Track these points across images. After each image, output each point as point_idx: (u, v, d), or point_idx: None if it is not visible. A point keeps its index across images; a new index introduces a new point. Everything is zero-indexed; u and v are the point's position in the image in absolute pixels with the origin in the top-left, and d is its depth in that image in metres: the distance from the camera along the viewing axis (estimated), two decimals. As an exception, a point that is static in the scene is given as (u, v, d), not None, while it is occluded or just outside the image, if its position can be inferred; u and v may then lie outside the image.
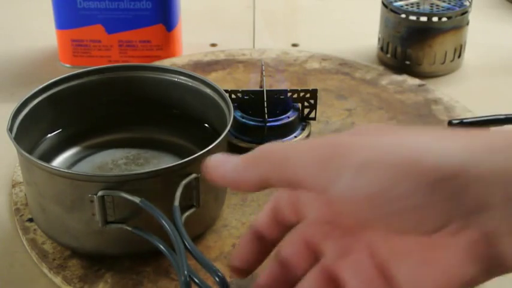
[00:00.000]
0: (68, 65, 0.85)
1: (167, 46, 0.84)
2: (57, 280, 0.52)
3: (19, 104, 0.57)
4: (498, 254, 0.28)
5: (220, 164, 0.35)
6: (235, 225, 0.57)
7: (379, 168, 0.29)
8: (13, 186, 0.62)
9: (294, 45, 0.92)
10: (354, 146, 0.30)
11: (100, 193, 0.49)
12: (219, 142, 0.53)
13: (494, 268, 0.29)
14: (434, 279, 0.29)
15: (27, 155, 0.51)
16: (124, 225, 0.50)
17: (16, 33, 0.95)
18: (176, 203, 0.49)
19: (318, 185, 0.30)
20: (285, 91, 0.65)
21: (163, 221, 0.46)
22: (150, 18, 0.82)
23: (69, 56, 0.85)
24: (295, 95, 0.65)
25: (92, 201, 0.49)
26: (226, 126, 0.55)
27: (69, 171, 0.55)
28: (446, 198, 0.28)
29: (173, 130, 0.64)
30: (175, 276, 0.52)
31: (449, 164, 0.28)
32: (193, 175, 0.51)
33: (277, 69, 0.81)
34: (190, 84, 0.62)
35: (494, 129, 0.29)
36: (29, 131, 0.58)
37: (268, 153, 0.33)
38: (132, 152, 0.62)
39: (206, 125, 0.63)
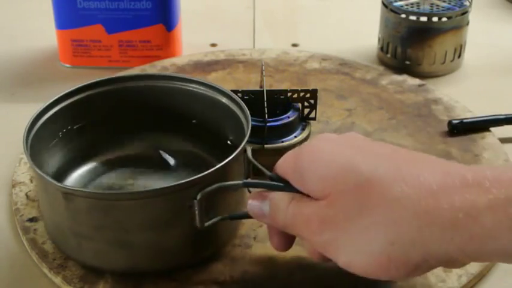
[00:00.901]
0: (68, 65, 0.85)
1: (167, 46, 0.84)
2: (57, 280, 0.52)
3: (28, 125, 0.54)
4: None
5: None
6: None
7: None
8: (13, 186, 0.62)
9: (294, 45, 0.92)
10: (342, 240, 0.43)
11: (199, 196, 0.48)
12: (239, 150, 0.52)
13: None
14: None
15: (108, 192, 0.50)
16: (221, 217, 0.50)
17: (16, 33, 0.95)
18: (267, 172, 0.49)
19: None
20: (285, 91, 0.65)
21: (278, 188, 0.47)
22: (150, 18, 0.82)
23: (69, 56, 0.85)
24: (295, 95, 0.65)
25: (190, 207, 0.48)
26: (243, 132, 0.54)
27: (166, 186, 0.48)
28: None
29: (187, 139, 0.63)
30: (176, 277, 0.52)
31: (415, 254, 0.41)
32: (249, 148, 0.52)
33: (277, 69, 0.81)
34: (202, 92, 0.61)
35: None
36: (41, 151, 0.55)
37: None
38: (135, 169, 0.61)
39: (219, 133, 0.62)
